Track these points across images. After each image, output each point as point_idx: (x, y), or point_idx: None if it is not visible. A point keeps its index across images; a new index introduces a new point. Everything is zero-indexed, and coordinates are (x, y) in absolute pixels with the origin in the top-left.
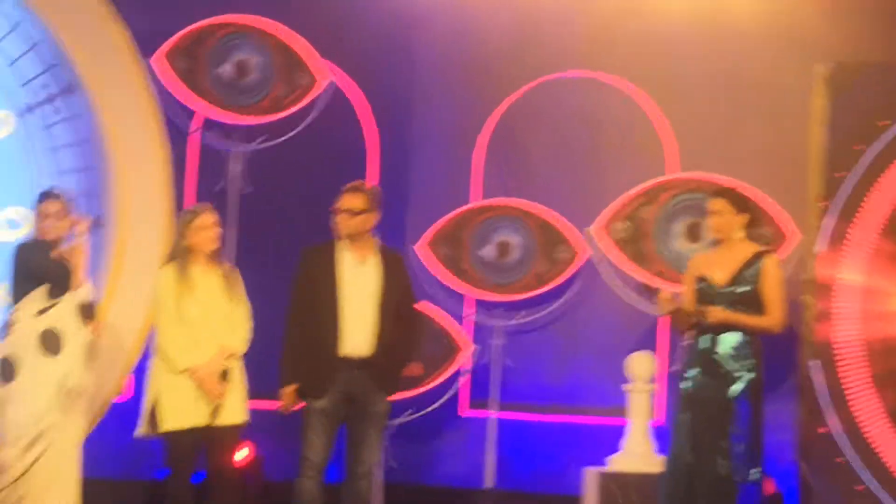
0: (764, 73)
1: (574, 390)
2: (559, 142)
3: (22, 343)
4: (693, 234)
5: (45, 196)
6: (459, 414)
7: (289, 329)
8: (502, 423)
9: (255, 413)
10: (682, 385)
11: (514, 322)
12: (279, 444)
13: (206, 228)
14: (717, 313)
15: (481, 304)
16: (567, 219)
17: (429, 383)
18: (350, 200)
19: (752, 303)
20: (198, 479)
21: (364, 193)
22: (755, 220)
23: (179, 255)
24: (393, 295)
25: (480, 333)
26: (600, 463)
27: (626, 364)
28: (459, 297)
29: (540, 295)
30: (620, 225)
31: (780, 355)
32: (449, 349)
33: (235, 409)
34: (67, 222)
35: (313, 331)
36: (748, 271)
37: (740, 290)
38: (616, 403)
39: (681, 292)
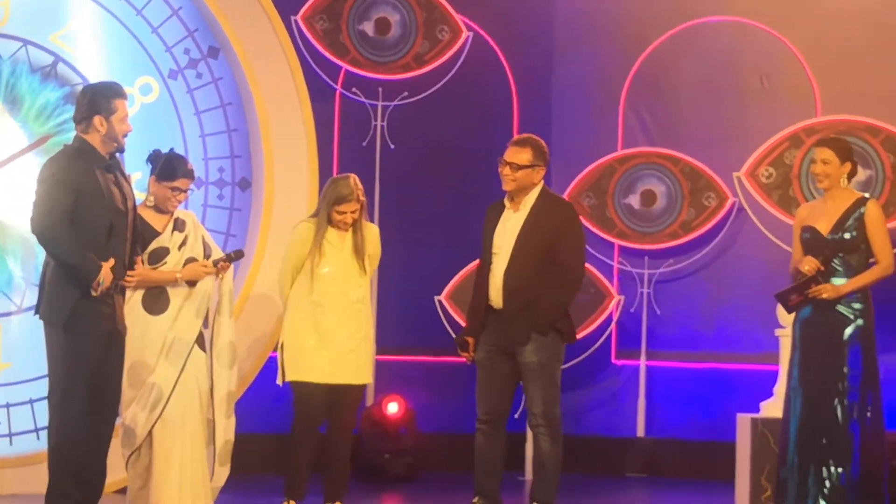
0: None
1: (724, 337)
2: (703, 88)
3: (130, 304)
4: None
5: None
6: (611, 362)
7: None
8: (652, 372)
9: (406, 367)
10: (796, 325)
11: (661, 270)
12: (431, 397)
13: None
14: (830, 292)
15: (628, 253)
16: (712, 165)
17: (578, 333)
18: (513, 154)
19: (858, 248)
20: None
21: (530, 147)
22: (855, 170)
23: (321, 213)
24: (535, 242)
25: (628, 282)
26: (753, 409)
27: (777, 309)
28: (607, 247)
29: (687, 242)
30: (766, 170)
31: None
32: (597, 298)
33: (360, 370)
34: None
35: (480, 284)
36: (851, 217)
37: (847, 235)
38: (767, 349)
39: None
